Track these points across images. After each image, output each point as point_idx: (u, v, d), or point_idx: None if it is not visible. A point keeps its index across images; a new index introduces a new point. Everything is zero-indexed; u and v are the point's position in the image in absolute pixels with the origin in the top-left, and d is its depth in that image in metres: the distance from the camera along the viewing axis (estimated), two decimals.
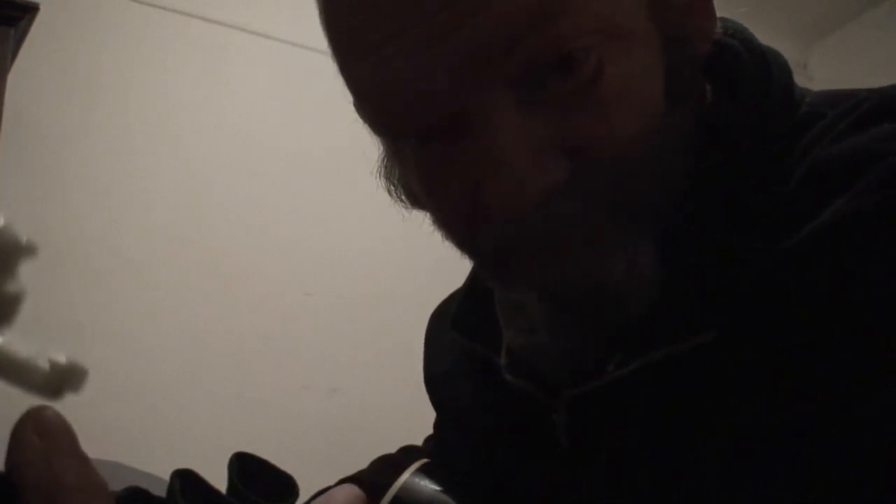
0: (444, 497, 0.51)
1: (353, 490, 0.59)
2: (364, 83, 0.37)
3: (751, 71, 0.41)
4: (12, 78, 1.42)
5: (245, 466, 0.65)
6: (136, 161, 1.92)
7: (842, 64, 2.43)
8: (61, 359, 0.35)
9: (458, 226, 0.40)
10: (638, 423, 0.40)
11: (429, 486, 0.52)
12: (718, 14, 0.42)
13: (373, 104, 0.38)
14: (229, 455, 0.66)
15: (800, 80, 0.42)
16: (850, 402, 0.31)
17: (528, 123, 0.35)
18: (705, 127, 0.40)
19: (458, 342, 0.54)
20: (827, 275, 0.33)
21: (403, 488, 0.52)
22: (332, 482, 0.66)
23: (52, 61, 1.83)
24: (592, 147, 0.35)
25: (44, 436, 0.22)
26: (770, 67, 0.41)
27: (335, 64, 0.39)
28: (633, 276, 0.37)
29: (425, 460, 0.56)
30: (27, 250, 0.36)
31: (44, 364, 0.33)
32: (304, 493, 0.65)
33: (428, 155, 0.38)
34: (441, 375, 0.61)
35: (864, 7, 2.44)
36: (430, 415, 0.66)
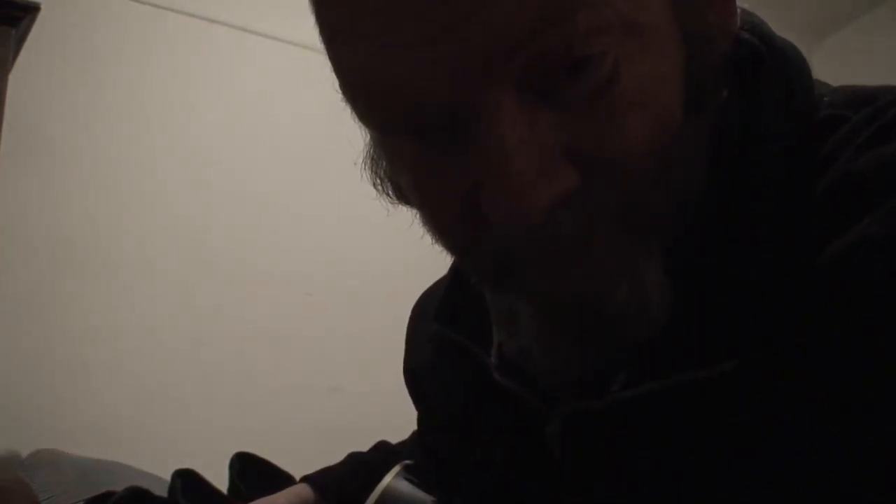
0: (429, 502, 0.50)
1: (301, 494, 0.58)
2: (356, 71, 0.33)
3: (772, 72, 0.38)
4: (13, 78, 1.42)
5: (246, 466, 0.65)
6: (137, 161, 1.92)
7: (843, 65, 2.43)
8: None
9: (453, 231, 0.37)
10: (640, 446, 0.38)
11: (413, 490, 0.51)
12: None
13: (364, 95, 0.34)
14: (230, 455, 0.66)
15: None
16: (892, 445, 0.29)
17: (536, 127, 0.31)
18: (721, 131, 0.37)
19: (442, 335, 0.51)
20: (855, 302, 0.31)
21: (387, 491, 0.51)
22: None
23: (53, 61, 1.83)
24: (604, 155, 0.32)
25: None
26: (791, 67, 0.38)
27: (322, 41, 0.34)
28: (638, 296, 0.35)
29: (408, 462, 0.55)
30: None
31: None
32: None
33: (422, 153, 0.35)
34: (422, 368, 0.59)
35: (865, 8, 2.44)
36: None
